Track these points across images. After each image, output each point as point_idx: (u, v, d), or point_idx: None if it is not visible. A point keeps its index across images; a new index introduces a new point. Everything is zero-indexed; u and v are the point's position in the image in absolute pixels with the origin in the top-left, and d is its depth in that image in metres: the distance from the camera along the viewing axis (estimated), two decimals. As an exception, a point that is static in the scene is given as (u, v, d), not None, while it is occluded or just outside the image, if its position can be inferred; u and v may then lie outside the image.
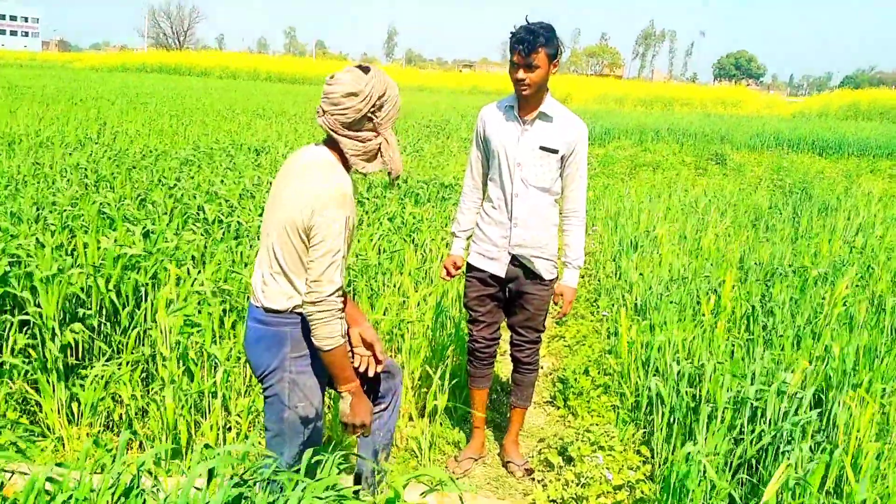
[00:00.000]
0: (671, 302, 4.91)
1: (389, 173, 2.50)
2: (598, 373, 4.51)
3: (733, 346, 4.15)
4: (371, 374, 2.72)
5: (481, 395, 3.66)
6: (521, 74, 3.09)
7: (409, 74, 60.44)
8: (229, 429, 3.49)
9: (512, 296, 3.44)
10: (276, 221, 2.42)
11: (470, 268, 3.48)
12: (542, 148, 3.20)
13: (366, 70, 2.39)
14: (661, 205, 8.88)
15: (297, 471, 2.14)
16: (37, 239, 4.17)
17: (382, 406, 2.84)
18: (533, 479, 3.60)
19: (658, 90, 51.03)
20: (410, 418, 3.91)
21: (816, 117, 35.37)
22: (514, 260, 3.36)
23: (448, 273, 3.55)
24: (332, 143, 2.46)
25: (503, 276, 3.37)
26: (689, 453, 2.89)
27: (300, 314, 2.45)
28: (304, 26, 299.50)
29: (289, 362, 2.48)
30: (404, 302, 4.65)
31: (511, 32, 3.12)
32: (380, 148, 2.45)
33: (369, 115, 2.39)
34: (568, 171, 3.31)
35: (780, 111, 43.85)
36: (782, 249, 6.48)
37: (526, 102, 3.21)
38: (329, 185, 2.34)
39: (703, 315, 4.61)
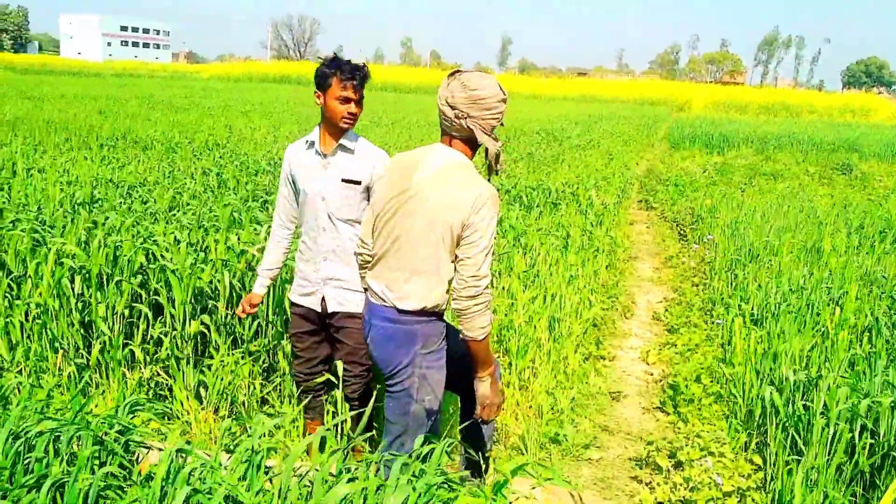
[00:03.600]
0: (789, 312, 4.76)
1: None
2: (711, 381, 4.43)
3: (853, 358, 4.00)
4: None
5: (311, 427, 3.50)
6: (353, 108, 3.10)
7: (523, 82, 60.47)
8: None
9: (332, 331, 3.31)
10: (418, 224, 2.51)
11: (291, 304, 3.41)
12: (345, 180, 3.15)
13: (486, 75, 2.51)
14: (781, 213, 8.58)
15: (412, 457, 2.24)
16: (175, 237, 4.48)
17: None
18: (640, 482, 3.58)
19: (781, 97, 49.11)
20: (517, 416, 3.97)
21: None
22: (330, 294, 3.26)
23: (243, 310, 3.53)
24: (458, 144, 2.56)
25: (319, 310, 3.28)
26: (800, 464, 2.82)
27: (432, 313, 2.57)
28: (420, 37, 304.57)
29: (420, 358, 2.59)
30: (512, 304, 4.71)
31: (333, 66, 3.08)
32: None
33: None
34: None
35: (916, 119, 41.35)
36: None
37: (331, 137, 3.18)
38: (483, 185, 2.48)
39: (823, 326, 4.45)
